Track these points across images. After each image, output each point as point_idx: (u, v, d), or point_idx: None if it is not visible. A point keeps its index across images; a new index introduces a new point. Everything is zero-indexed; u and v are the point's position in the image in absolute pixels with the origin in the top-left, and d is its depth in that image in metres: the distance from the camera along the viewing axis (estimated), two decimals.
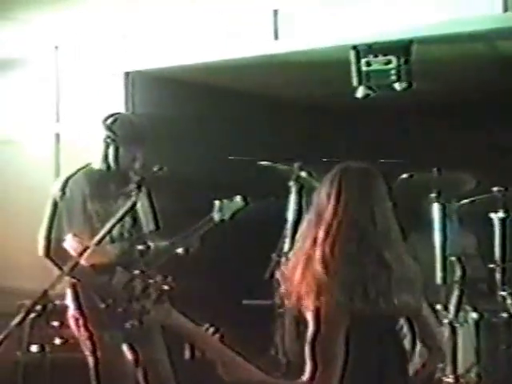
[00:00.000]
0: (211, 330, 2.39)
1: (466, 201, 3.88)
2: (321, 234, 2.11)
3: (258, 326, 4.07)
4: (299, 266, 2.13)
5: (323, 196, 2.18)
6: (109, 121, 3.45)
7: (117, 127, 3.42)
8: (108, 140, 3.42)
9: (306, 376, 2.08)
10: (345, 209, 2.12)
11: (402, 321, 2.20)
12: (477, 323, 3.70)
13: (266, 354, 4.16)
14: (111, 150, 3.42)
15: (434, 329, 2.32)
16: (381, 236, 2.13)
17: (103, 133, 3.43)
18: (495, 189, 3.88)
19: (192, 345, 2.23)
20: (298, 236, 2.27)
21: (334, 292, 2.04)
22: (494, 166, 4.83)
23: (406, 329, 2.20)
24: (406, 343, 2.22)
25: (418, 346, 2.24)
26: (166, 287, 2.12)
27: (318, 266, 2.07)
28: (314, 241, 2.12)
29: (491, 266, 3.86)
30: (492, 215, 3.92)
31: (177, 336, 2.20)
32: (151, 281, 2.15)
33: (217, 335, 2.39)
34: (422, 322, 2.25)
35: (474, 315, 3.69)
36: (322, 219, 2.14)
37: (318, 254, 2.09)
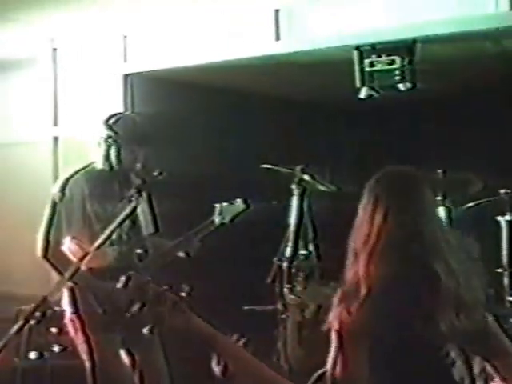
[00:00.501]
0: (234, 337, 2.30)
1: (472, 204, 3.83)
2: (360, 247, 1.99)
3: (259, 332, 4.02)
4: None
5: (362, 206, 2.07)
6: (111, 121, 3.42)
7: (119, 127, 3.40)
8: (109, 140, 3.39)
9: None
10: (383, 220, 1.98)
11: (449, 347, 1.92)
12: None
13: (268, 360, 4.11)
14: (113, 151, 3.39)
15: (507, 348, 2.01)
16: (428, 245, 1.94)
17: (105, 133, 3.40)
18: (502, 191, 3.84)
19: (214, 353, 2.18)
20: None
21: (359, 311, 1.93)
22: (501, 167, 4.78)
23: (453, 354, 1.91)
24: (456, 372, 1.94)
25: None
26: (183, 294, 2.06)
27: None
28: (356, 255, 2.00)
29: (499, 270, 3.81)
30: (499, 218, 3.88)
31: (196, 342, 2.12)
32: (166, 287, 2.10)
33: (240, 342, 2.29)
34: (490, 344, 1.98)
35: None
36: (360, 231, 2.02)
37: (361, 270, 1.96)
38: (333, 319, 2.02)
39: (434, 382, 1.90)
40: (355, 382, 2.03)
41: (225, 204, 3.36)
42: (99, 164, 3.45)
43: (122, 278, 2.24)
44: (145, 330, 2.46)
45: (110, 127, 3.41)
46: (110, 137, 3.40)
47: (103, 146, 3.42)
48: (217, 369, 2.18)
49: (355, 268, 1.97)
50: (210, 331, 2.19)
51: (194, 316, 2.12)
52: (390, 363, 1.92)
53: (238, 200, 3.37)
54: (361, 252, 1.98)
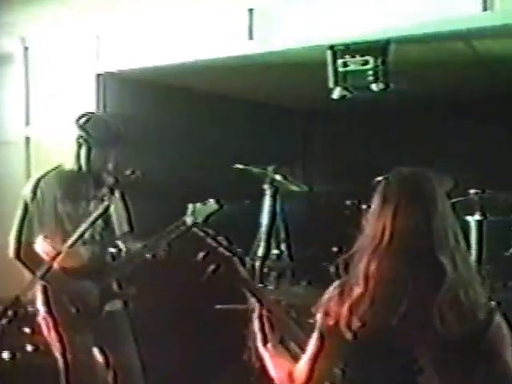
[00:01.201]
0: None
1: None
2: (368, 248, 1.96)
3: (230, 331, 4.01)
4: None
5: (373, 208, 2.04)
6: (82, 120, 3.41)
7: (90, 127, 3.38)
8: (80, 140, 3.37)
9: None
10: (391, 220, 1.96)
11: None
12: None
13: (239, 359, 4.10)
14: (83, 151, 3.38)
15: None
16: (436, 241, 1.93)
17: (76, 132, 3.38)
18: (472, 191, 3.89)
19: None
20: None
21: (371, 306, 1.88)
22: (472, 167, 4.84)
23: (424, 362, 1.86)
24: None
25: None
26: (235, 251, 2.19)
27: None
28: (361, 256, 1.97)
29: None
30: (468, 218, 3.93)
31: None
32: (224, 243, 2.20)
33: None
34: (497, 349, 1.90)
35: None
36: (371, 233, 1.98)
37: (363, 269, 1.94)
38: (329, 312, 1.96)
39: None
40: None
41: (198, 204, 3.36)
42: (70, 164, 3.43)
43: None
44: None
45: (80, 127, 3.39)
46: (80, 137, 3.39)
47: (74, 146, 3.40)
48: None
49: (363, 264, 1.95)
50: None
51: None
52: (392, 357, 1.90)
53: (211, 200, 3.37)
54: (369, 249, 1.96)
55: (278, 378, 2.16)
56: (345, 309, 1.91)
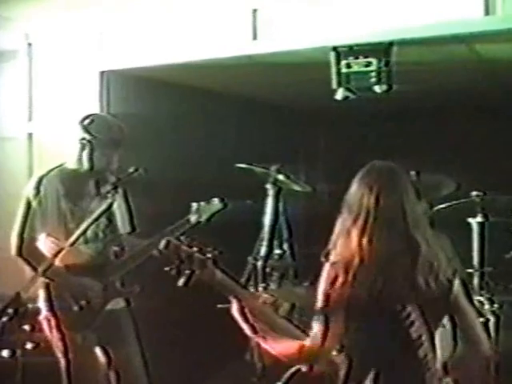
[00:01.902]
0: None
1: (443, 205, 3.87)
2: (354, 227, 2.30)
3: (233, 331, 4.02)
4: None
5: (352, 193, 2.38)
6: (85, 122, 3.40)
7: (93, 128, 3.38)
8: (84, 141, 3.37)
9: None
10: (374, 201, 2.31)
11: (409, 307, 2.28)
12: (454, 328, 3.69)
13: (241, 358, 4.12)
14: (86, 152, 3.38)
15: (471, 321, 2.42)
16: (410, 221, 2.30)
17: (79, 134, 3.39)
18: (474, 193, 3.89)
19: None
20: (334, 236, 2.41)
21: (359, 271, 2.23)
22: (474, 169, 4.85)
23: (414, 316, 2.28)
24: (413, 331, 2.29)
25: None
26: (209, 255, 2.29)
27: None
28: (349, 234, 2.32)
29: (469, 270, 3.87)
30: (470, 220, 3.93)
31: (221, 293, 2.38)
32: (195, 249, 2.31)
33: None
34: (457, 311, 2.38)
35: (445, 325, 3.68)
36: (354, 214, 2.32)
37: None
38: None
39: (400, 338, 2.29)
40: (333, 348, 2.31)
41: (202, 203, 3.38)
42: (73, 163, 3.44)
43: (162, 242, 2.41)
44: None
45: (84, 128, 3.39)
46: (83, 138, 3.39)
47: (77, 147, 3.41)
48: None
49: (348, 244, 2.30)
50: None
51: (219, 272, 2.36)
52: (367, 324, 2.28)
53: (215, 199, 3.39)
54: (352, 230, 2.31)
55: (286, 356, 2.37)
56: (344, 277, 2.25)
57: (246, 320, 2.39)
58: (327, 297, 2.27)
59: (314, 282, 4.13)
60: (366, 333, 2.29)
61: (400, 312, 2.27)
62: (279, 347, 2.35)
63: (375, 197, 2.32)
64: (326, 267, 2.32)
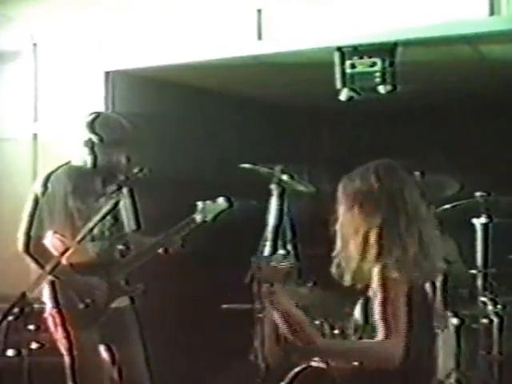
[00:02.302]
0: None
1: (447, 206, 3.87)
2: (367, 221, 2.42)
3: (237, 331, 4.03)
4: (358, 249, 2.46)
5: (353, 192, 2.50)
6: (89, 121, 3.41)
7: (98, 127, 3.39)
8: (88, 140, 3.38)
9: (379, 337, 2.34)
10: (384, 195, 2.39)
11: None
12: (457, 329, 3.69)
13: (245, 358, 4.12)
14: (91, 150, 3.39)
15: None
16: (418, 213, 2.40)
17: (83, 133, 3.39)
18: (478, 194, 3.89)
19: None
20: (338, 227, 2.60)
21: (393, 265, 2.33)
22: (478, 170, 4.85)
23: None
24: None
25: None
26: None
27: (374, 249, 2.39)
28: (356, 229, 2.45)
29: (473, 271, 3.87)
30: (474, 220, 3.93)
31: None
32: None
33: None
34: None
35: (455, 321, 3.68)
36: (365, 210, 2.43)
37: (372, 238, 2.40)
38: None
39: None
40: None
41: (207, 202, 3.38)
42: (79, 162, 3.45)
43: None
44: None
45: (88, 128, 3.40)
46: (87, 136, 3.40)
47: (81, 146, 3.41)
48: None
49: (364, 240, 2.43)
50: None
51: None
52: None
53: (221, 198, 3.39)
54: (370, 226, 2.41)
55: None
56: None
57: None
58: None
59: (318, 283, 4.15)
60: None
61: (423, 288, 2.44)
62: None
63: (387, 195, 2.40)
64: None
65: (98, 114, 3.48)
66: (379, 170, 2.48)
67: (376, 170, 2.49)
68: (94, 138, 3.37)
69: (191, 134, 4.96)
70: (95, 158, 3.40)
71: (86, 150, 3.40)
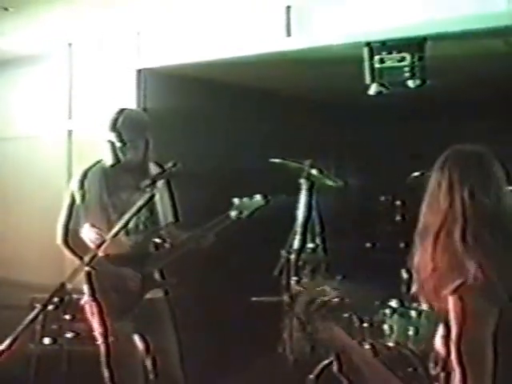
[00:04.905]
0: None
1: None
2: (439, 224, 2.03)
3: (266, 323, 4.07)
4: (428, 257, 2.04)
5: (434, 184, 2.12)
6: (112, 121, 3.45)
7: (120, 126, 3.42)
8: (113, 140, 3.43)
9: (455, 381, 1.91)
10: (463, 194, 2.04)
11: None
12: None
13: (273, 351, 4.16)
14: (117, 148, 3.44)
15: None
16: (506, 217, 2.03)
17: (106, 133, 3.44)
18: (510, 188, 3.87)
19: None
20: (419, 226, 2.13)
21: (482, 285, 1.91)
22: (508, 163, 4.80)
23: None
24: None
25: None
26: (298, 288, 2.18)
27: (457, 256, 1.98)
28: (437, 232, 2.04)
29: None
30: None
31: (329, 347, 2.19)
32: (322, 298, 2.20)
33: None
34: None
35: None
36: (437, 208, 2.07)
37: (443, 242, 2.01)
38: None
39: None
40: None
41: (244, 199, 3.40)
42: (111, 159, 3.49)
43: None
44: None
45: (111, 128, 3.45)
46: (115, 136, 3.44)
47: (108, 146, 3.47)
48: None
49: (435, 240, 2.03)
50: None
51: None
52: None
53: (258, 195, 3.41)
54: (441, 226, 2.03)
55: None
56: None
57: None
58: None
59: (346, 277, 4.17)
60: None
61: None
62: None
63: (469, 190, 2.05)
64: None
65: (118, 114, 3.50)
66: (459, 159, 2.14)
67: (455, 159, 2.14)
68: (116, 140, 3.42)
69: (220, 130, 5.00)
70: (123, 154, 3.45)
71: (113, 150, 3.45)
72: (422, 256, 2.08)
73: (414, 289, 2.12)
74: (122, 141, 3.42)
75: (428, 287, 2.06)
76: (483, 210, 2.02)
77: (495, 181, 2.10)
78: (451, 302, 1.93)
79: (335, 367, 2.17)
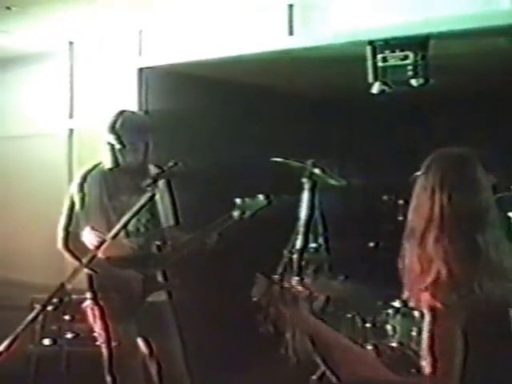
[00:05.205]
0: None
1: None
2: (423, 226, 2.14)
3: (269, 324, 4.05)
4: (415, 259, 2.15)
5: (419, 187, 2.23)
6: (111, 123, 3.43)
7: (119, 129, 3.41)
8: (112, 142, 3.42)
9: (426, 370, 2.08)
10: (443, 198, 2.14)
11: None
12: None
13: (276, 351, 4.15)
14: (117, 151, 3.43)
15: None
16: (477, 221, 2.13)
17: (106, 136, 3.43)
18: None
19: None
20: (407, 229, 2.23)
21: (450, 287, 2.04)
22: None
23: None
24: None
25: None
26: (300, 288, 2.20)
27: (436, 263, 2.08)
28: (422, 234, 2.14)
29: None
30: (511, 214, 3.89)
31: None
32: (287, 285, 2.22)
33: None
34: None
35: None
36: (422, 211, 2.16)
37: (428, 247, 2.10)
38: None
39: None
40: None
41: (246, 199, 3.38)
42: (111, 160, 3.48)
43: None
44: None
45: (110, 131, 3.43)
46: (114, 138, 3.43)
47: (107, 148, 3.45)
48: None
49: (425, 248, 2.12)
50: None
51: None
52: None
53: (260, 195, 3.39)
54: (425, 228, 2.13)
55: None
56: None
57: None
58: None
59: (349, 277, 4.15)
60: None
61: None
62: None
63: (448, 194, 2.15)
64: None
65: (117, 116, 3.48)
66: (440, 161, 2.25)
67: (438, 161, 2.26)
68: (115, 142, 3.40)
69: (223, 129, 4.99)
70: (122, 156, 3.44)
71: (112, 153, 3.44)
72: (410, 258, 2.19)
73: (405, 291, 2.25)
74: (121, 143, 3.41)
75: (417, 288, 2.17)
76: (459, 212, 2.13)
77: (475, 185, 2.19)
78: (423, 298, 2.09)
79: (309, 345, 2.25)
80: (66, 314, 3.29)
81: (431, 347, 2.06)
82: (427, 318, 2.11)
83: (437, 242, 2.11)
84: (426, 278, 2.11)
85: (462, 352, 2.03)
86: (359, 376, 2.28)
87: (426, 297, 2.10)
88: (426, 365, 2.07)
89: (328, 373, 2.19)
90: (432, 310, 2.09)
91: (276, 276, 3.68)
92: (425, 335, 2.09)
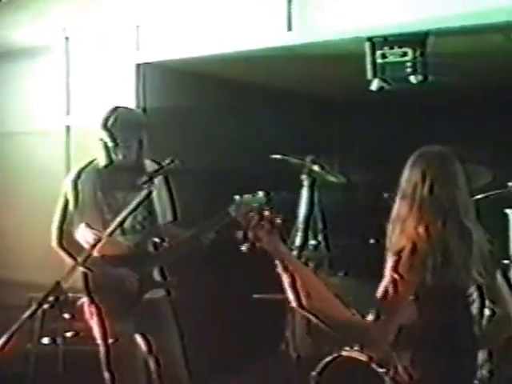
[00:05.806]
0: None
1: (480, 196, 3.84)
2: (406, 213, 2.39)
3: (268, 321, 4.05)
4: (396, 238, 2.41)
5: (405, 180, 2.46)
6: (104, 121, 3.42)
7: (111, 125, 3.39)
8: (106, 140, 3.40)
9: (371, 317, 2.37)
10: (428, 190, 2.38)
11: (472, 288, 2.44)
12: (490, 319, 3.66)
13: (276, 348, 4.15)
14: (110, 148, 3.41)
15: (506, 297, 2.71)
16: (462, 209, 2.38)
17: (100, 133, 3.41)
18: (511, 184, 3.86)
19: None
20: (393, 214, 2.48)
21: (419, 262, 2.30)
22: (510, 159, 4.79)
23: (475, 295, 2.45)
24: (474, 308, 2.48)
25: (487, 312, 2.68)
26: (278, 220, 2.33)
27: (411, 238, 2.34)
28: (404, 219, 2.40)
29: (506, 261, 3.83)
30: (507, 211, 3.90)
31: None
32: (266, 213, 2.34)
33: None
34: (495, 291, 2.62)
35: (487, 311, 3.65)
36: (406, 200, 2.41)
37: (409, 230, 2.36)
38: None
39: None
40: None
41: (246, 196, 3.36)
42: (106, 158, 3.46)
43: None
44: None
45: (104, 128, 3.41)
46: (107, 135, 3.41)
47: (101, 146, 3.43)
48: None
49: (404, 230, 2.38)
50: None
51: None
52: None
53: (260, 192, 3.37)
54: (407, 218, 2.38)
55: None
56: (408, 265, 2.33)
57: (296, 292, 2.42)
58: (394, 284, 2.33)
59: (349, 274, 4.15)
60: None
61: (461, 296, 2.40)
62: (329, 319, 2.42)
63: (429, 186, 2.39)
64: (390, 256, 2.39)
65: (111, 114, 3.46)
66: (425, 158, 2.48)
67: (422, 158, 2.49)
68: (109, 140, 3.38)
69: (221, 126, 4.97)
70: (116, 154, 3.42)
71: (106, 150, 3.42)
72: (391, 237, 2.46)
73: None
74: (114, 140, 3.39)
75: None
76: (438, 204, 2.38)
77: (453, 179, 2.42)
78: (390, 260, 2.37)
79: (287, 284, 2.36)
80: (63, 313, 3.28)
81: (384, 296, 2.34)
82: (387, 273, 2.36)
83: (415, 229, 2.36)
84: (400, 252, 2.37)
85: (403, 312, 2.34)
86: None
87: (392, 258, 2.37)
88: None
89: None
90: (394, 267, 2.34)
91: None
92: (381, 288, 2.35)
